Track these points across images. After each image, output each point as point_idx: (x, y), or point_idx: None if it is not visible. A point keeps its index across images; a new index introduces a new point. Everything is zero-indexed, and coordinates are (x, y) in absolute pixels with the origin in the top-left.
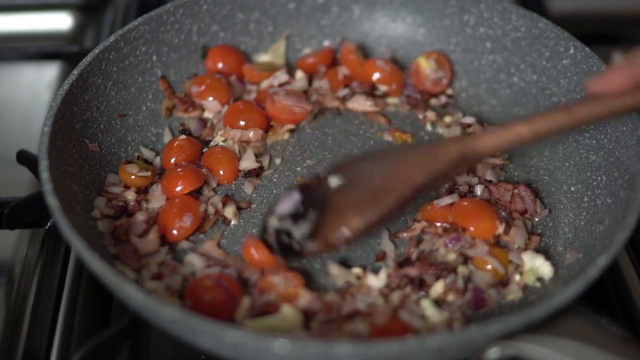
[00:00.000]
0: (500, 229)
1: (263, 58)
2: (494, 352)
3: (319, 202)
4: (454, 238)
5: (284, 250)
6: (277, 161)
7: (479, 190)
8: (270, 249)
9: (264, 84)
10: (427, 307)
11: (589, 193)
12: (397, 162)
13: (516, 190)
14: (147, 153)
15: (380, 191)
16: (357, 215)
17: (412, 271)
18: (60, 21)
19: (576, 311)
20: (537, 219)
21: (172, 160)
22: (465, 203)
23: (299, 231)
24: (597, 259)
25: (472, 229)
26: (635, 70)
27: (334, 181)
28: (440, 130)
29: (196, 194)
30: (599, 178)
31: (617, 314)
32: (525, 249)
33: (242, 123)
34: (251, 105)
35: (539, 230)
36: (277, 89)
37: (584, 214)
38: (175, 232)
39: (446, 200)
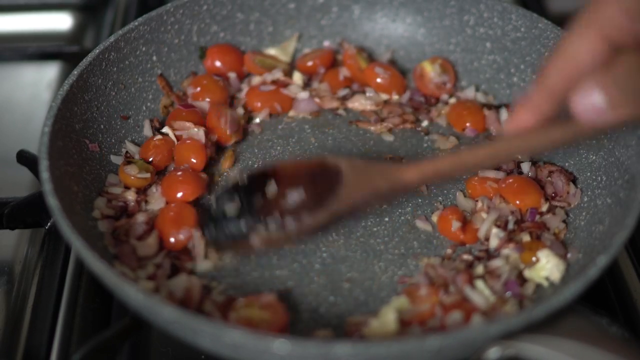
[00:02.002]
0: (544, 207)
1: (271, 52)
2: (494, 352)
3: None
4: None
5: (220, 235)
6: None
7: (526, 167)
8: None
9: (256, 80)
10: (482, 288)
11: (589, 193)
12: (355, 171)
13: (550, 173)
14: (132, 148)
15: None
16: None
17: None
18: (60, 21)
19: (576, 311)
20: (570, 207)
21: (150, 160)
22: (511, 180)
23: (231, 210)
24: (597, 259)
25: (517, 202)
26: (535, 104)
27: (271, 188)
28: (435, 137)
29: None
30: (599, 178)
31: (617, 314)
32: (557, 238)
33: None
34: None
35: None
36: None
37: (583, 214)
38: (172, 240)
39: (490, 173)
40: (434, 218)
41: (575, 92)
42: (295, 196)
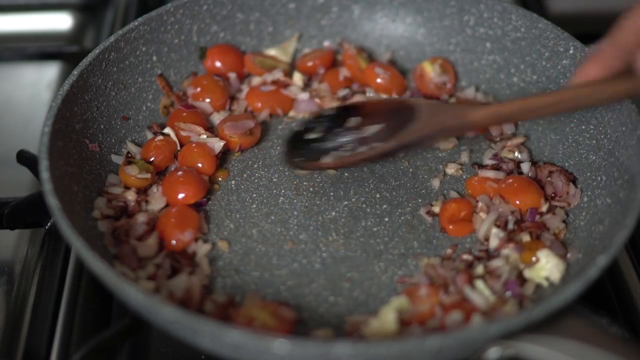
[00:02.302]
0: (544, 207)
1: (271, 52)
2: (494, 352)
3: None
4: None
5: (296, 152)
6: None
7: (526, 167)
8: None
9: (256, 81)
10: (482, 288)
11: (589, 193)
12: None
13: (550, 173)
14: (133, 148)
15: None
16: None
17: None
18: (60, 21)
19: (576, 311)
20: (570, 207)
21: (151, 160)
22: (511, 180)
23: (311, 135)
24: (597, 259)
25: (517, 202)
26: (605, 58)
27: (354, 121)
28: None
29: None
30: (599, 178)
31: (617, 314)
32: (557, 238)
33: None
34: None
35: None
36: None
37: (583, 214)
38: (174, 242)
39: (489, 173)
40: (436, 209)
41: None
42: (373, 129)
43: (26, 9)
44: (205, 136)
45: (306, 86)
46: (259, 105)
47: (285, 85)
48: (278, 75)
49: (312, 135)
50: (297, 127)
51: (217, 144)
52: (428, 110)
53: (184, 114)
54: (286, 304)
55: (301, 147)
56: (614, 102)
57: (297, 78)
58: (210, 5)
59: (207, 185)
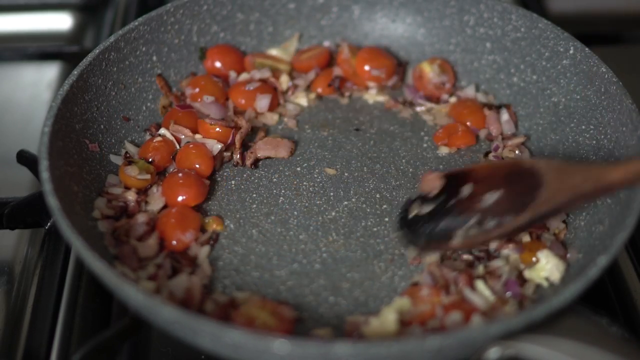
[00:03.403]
0: None
1: (272, 52)
2: (494, 352)
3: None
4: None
5: (409, 232)
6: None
7: None
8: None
9: (243, 77)
10: (482, 288)
11: None
12: (557, 172)
13: None
14: (131, 148)
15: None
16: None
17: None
18: (60, 21)
19: (576, 311)
20: None
21: (150, 160)
22: None
23: (424, 209)
24: (597, 259)
25: None
26: None
27: (467, 189)
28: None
29: None
30: None
31: (617, 314)
32: (557, 239)
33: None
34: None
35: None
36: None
37: (583, 214)
38: (174, 242)
39: None
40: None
41: None
42: (491, 197)
43: (26, 9)
44: (198, 137)
45: (296, 88)
46: (243, 102)
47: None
48: (267, 74)
49: (425, 209)
50: (406, 205)
51: (215, 146)
52: (555, 174)
53: (180, 114)
54: (286, 303)
55: (418, 225)
56: None
57: (284, 80)
58: (210, 5)
59: (207, 188)
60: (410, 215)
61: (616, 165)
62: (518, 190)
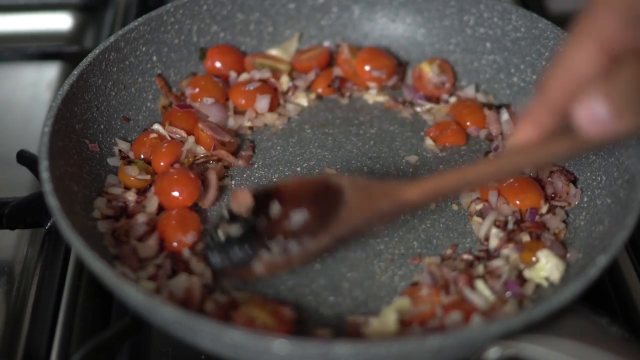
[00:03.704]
0: (544, 208)
1: (272, 52)
2: (494, 352)
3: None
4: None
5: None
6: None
7: None
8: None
9: (243, 77)
10: (482, 288)
11: (589, 193)
12: (355, 191)
13: (551, 173)
14: (123, 145)
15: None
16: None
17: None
18: (60, 21)
19: (576, 311)
20: (570, 207)
21: (142, 157)
22: (512, 180)
23: (233, 233)
24: (597, 259)
25: (517, 202)
26: (537, 116)
27: (275, 208)
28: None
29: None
30: (599, 178)
31: (617, 314)
32: (557, 238)
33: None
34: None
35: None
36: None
37: (583, 214)
38: (175, 244)
39: None
40: None
41: (576, 104)
42: (298, 217)
43: (26, 9)
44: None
45: (296, 88)
46: (243, 102)
47: (274, 86)
48: (267, 74)
49: (233, 233)
50: (213, 227)
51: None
52: (355, 192)
53: (179, 114)
54: (286, 304)
55: (227, 251)
56: (558, 162)
57: (284, 80)
58: (210, 5)
59: (200, 187)
60: (221, 237)
61: (412, 184)
62: (323, 208)
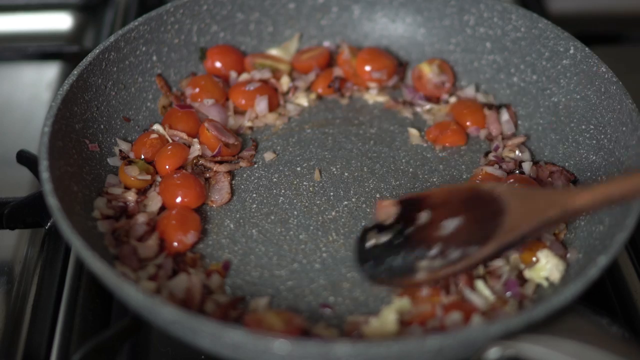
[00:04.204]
0: None
1: (272, 52)
2: (494, 352)
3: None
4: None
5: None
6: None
7: (527, 167)
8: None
9: (243, 77)
10: (482, 288)
11: None
12: (518, 199)
13: (551, 174)
14: (123, 145)
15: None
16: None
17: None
18: (60, 21)
19: (576, 311)
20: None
21: (142, 157)
22: (512, 180)
23: (381, 238)
24: (597, 259)
25: None
26: None
27: (425, 216)
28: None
29: None
30: (599, 178)
31: (617, 314)
32: (557, 238)
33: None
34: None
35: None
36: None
37: (584, 214)
38: (176, 244)
39: (491, 169)
40: None
41: None
42: (451, 224)
43: (26, 9)
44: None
45: (296, 89)
46: (243, 102)
47: (274, 87)
48: (267, 75)
49: (381, 239)
50: (362, 235)
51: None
52: (519, 200)
53: (179, 113)
54: (299, 314)
55: (377, 256)
56: None
57: (285, 81)
58: (210, 5)
59: (204, 190)
60: (369, 245)
61: (582, 191)
62: (478, 216)
